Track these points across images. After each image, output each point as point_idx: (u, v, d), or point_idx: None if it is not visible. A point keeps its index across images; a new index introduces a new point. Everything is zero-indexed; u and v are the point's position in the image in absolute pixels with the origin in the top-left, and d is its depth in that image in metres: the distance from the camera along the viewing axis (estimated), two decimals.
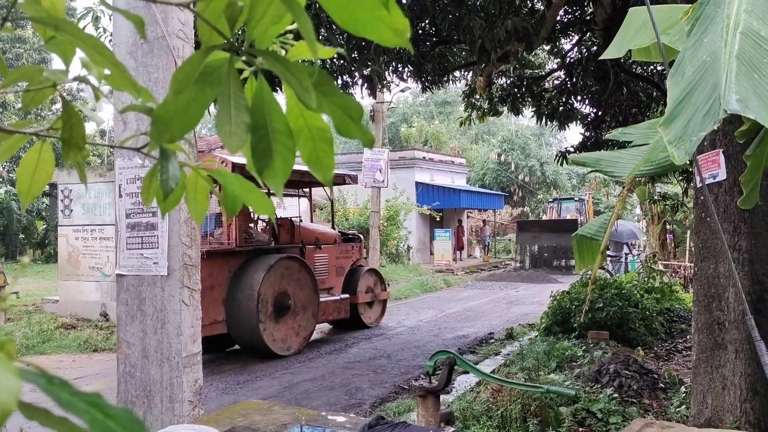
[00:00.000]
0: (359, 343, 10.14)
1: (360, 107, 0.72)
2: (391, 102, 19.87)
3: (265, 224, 9.81)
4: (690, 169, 7.80)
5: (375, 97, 11.77)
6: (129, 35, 3.78)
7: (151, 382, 3.81)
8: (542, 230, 25.11)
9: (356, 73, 9.04)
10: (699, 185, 4.38)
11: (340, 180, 10.90)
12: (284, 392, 7.15)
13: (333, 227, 11.69)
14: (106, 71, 0.76)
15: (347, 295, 10.76)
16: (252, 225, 9.59)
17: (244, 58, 0.73)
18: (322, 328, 11.19)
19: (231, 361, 8.92)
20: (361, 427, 2.46)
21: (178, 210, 3.69)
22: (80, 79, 0.77)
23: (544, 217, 32.02)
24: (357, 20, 0.68)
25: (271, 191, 0.79)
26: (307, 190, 11.40)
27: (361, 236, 12.30)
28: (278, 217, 10.00)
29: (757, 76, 1.65)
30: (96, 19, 7.48)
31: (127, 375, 3.91)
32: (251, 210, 9.11)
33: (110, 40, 4.01)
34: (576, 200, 29.92)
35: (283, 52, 0.78)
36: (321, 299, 9.87)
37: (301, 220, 10.38)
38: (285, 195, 11.42)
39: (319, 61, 0.76)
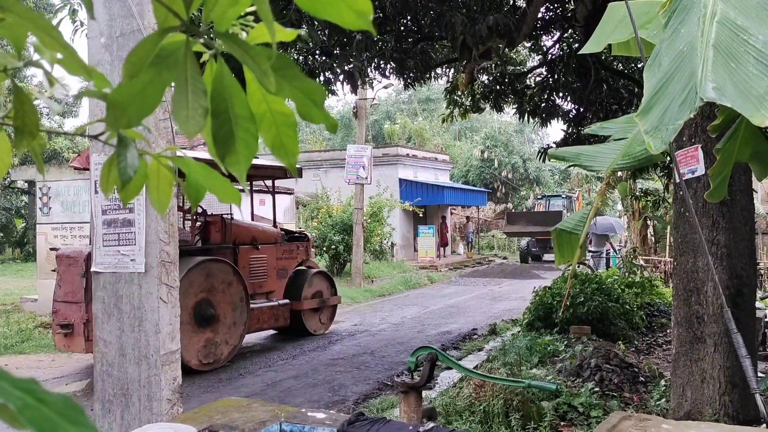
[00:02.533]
0: (343, 340, 10.11)
1: (322, 90, 0.69)
2: (374, 99, 19.84)
3: (191, 222, 8.78)
4: (670, 165, 7.87)
5: (356, 94, 11.71)
6: (104, 29, 3.72)
7: (129, 381, 3.76)
8: (531, 222, 25.44)
9: (338, 70, 8.99)
10: (678, 180, 4.41)
11: (281, 173, 9.86)
12: (267, 390, 7.11)
13: (275, 225, 10.32)
14: (59, 55, 0.73)
15: (287, 301, 9.69)
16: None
17: (202, 40, 0.70)
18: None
19: None
20: (341, 423, 2.43)
21: None
22: (32, 64, 0.74)
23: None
24: (318, 1, 0.65)
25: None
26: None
27: (309, 235, 11.13)
28: (208, 213, 9.01)
29: (734, 64, 1.65)
30: (73, 13, 7.37)
31: (105, 374, 3.85)
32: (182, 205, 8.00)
33: (86, 34, 3.94)
34: (563, 197, 30.16)
35: (244, 35, 0.75)
36: (254, 306, 8.89)
37: (231, 217, 9.25)
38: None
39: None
